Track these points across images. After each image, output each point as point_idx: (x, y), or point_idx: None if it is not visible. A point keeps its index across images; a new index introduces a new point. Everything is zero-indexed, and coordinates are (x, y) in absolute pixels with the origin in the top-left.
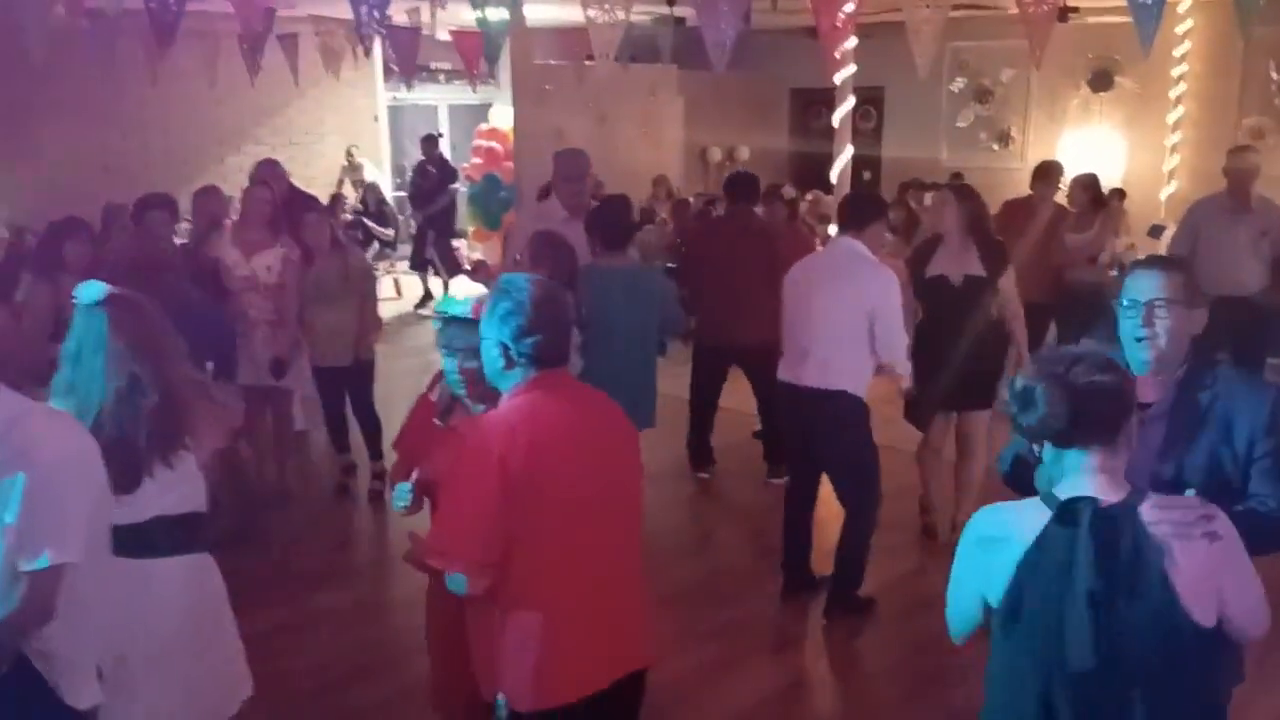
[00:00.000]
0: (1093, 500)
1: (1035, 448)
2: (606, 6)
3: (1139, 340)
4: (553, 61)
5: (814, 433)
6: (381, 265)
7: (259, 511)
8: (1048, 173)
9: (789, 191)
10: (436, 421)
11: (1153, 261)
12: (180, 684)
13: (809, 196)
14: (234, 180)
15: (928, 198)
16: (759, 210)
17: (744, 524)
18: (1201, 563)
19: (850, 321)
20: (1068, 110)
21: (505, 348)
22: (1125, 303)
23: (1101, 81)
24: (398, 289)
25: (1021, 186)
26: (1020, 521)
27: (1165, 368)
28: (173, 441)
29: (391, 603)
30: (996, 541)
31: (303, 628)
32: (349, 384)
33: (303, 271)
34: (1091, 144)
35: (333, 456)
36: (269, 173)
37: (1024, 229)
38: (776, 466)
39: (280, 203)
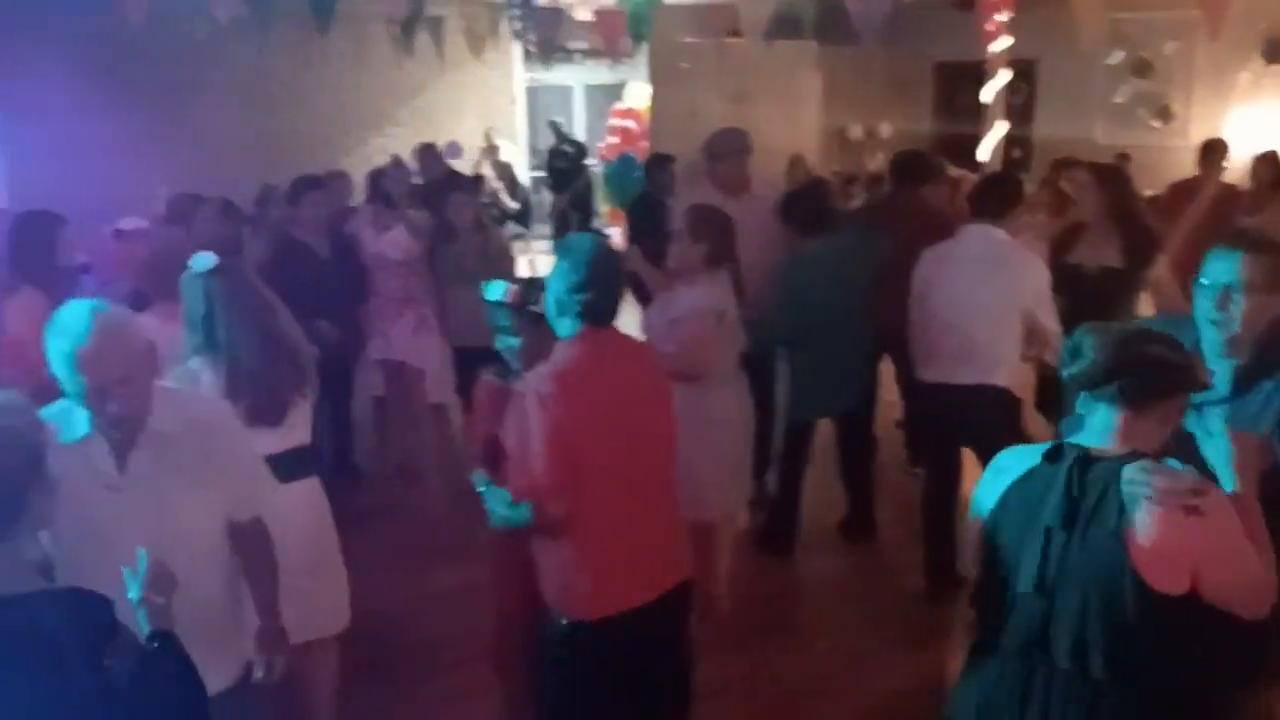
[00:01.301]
0: (1085, 449)
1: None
2: None
3: (1212, 323)
4: (690, 39)
5: (971, 433)
6: (518, 246)
7: (391, 484)
8: (1214, 151)
9: (954, 171)
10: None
11: (1237, 241)
12: (300, 598)
13: (955, 175)
14: (376, 161)
15: (1082, 176)
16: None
17: (888, 513)
18: (1168, 532)
19: (1007, 314)
20: (1236, 85)
21: (559, 300)
22: (1203, 282)
23: (1276, 53)
24: (533, 271)
25: (1184, 165)
26: (1026, 458)
27: (1239, 352)
28: (301, 380)
29: None
30: (1003, 471)
31: (428, 601)
32: (486, 364)
33: (444, 251)
34: (1263, 121)
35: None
36: (426, 156)
37: (1190, 213)
38: (918, 456)
39: (428, 183)
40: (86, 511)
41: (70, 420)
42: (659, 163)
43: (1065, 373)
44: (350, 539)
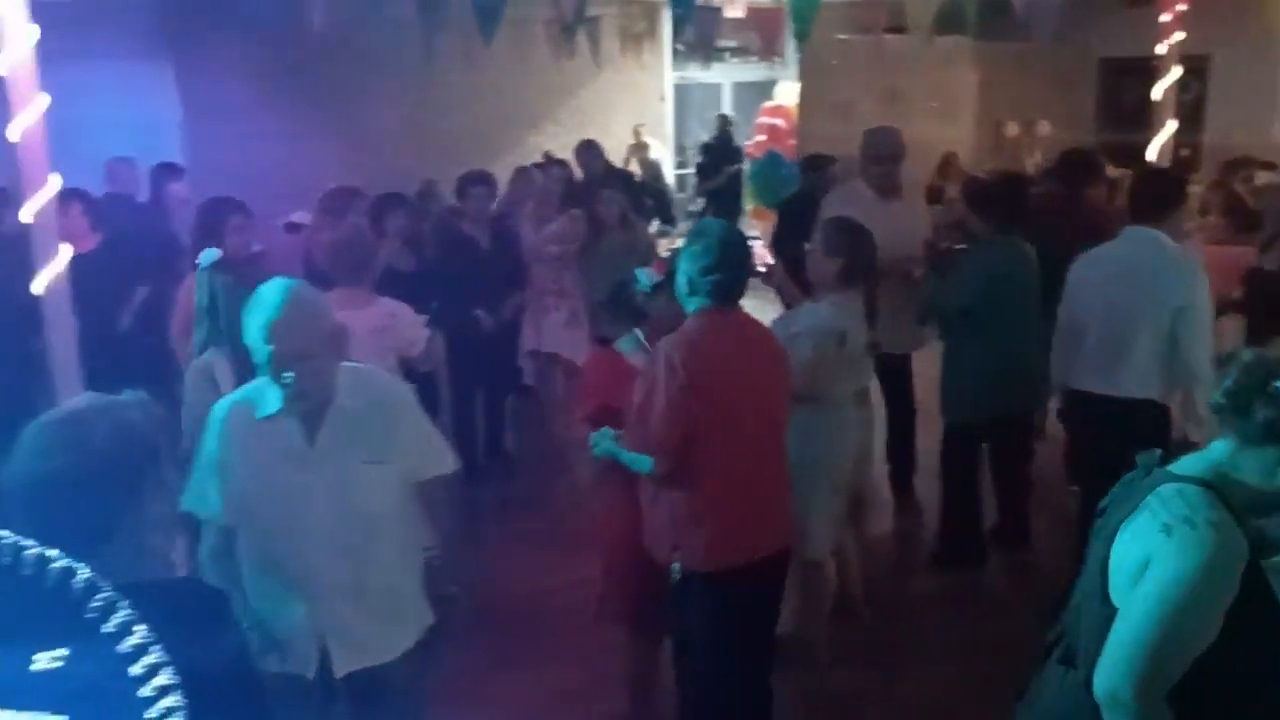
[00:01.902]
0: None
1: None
2: None
3: None
4: (843, 36)
5: (1118, 447)
6: (662, 243)
7: (542, 473)
8: None
9: (1114, 171)
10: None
11: None
12: None
13: (1114, 174)
14: (532, 158)
15: (1261, 176)
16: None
17: (1045, 526)
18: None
19: (1153, 324)
20: None
21: (692, 279)
22: None
23: None
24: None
25: None
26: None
27: None
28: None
29: None
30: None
31: (571, 587)
32: None
33: (593, 246)
34: None
35: None
36: (587, 154)
37: None
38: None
39: (583, 180)
40: (276, 483)
41: (265, 396)
42: (816, 163)
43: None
44: (497, 525)
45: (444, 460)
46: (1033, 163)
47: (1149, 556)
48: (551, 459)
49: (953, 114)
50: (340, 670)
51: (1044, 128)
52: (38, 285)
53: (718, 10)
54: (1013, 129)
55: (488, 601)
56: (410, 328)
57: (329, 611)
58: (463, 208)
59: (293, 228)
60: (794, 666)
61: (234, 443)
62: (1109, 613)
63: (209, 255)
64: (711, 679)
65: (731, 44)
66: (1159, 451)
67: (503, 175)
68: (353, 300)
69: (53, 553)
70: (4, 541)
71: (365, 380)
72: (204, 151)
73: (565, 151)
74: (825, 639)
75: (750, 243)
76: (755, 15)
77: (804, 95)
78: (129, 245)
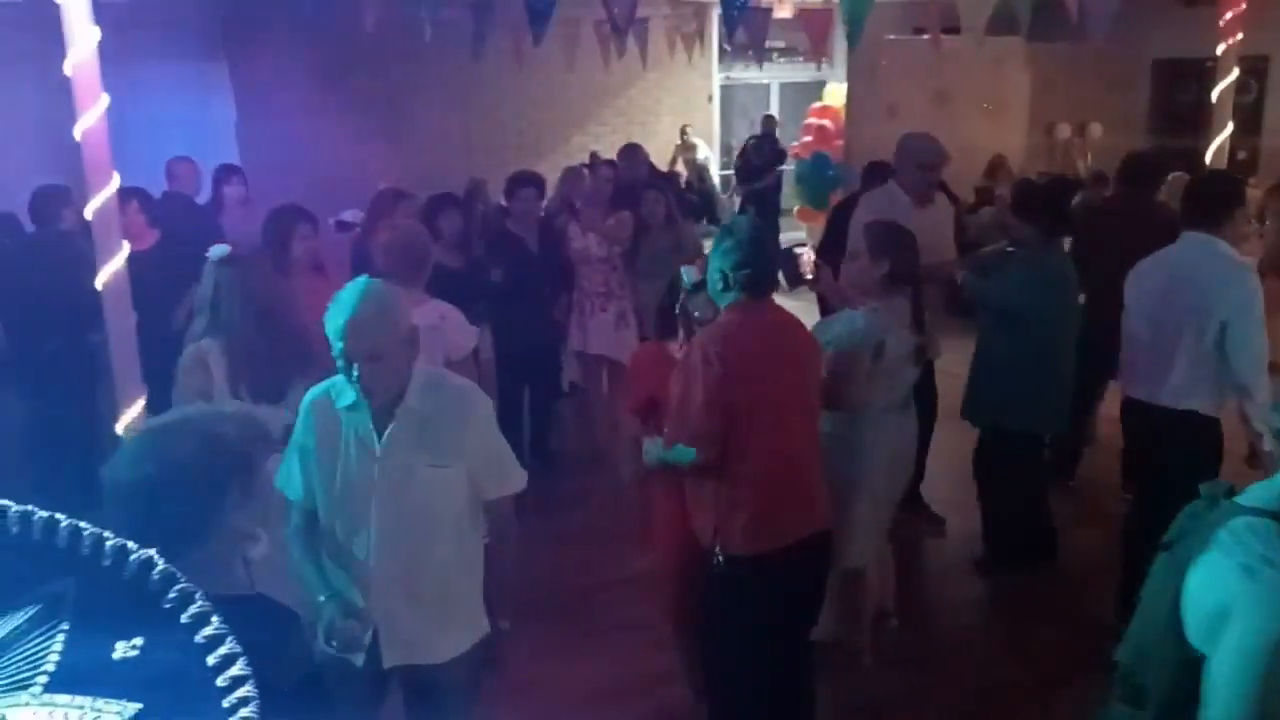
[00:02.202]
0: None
1: None
2: None
3: None
4: (893, 37)
5: (1163, 459)
6: (707, 243)
7: (585, 472)
8: None
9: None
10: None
11: None
12: None
13: (1169, 178)
14: (579, 159)
15: None
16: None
17: (1092, 535)
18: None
19: (1201, 332)
20: None
21: (724, 275)
22: None
23: None
24: None
25: None
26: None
27: None
28: (304, 366)
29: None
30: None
31: (617, 584)
32: None
33: (639, 246)
34: None
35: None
36: (630, 156)
37: None
38: (1070, 468)
39: (627, 182)
40: (345, 472)
41: (344, 389)
42: (877, 171)
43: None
44: (543, 523)
45: (513, 480)
46: (1084, 166)
47: (1229, 601)
48: (597, 459)
49: (1003, 116)
50: (388, 663)
51: (1096, 130)
52: (99, 280)
53: (768, 11)
54: (1064, 131)
55: (533, 598)
56: (458, 331)
57: (382, 605)
58: (510, 208)
59: (343, 226)
60: (835, 671)
61: (314, 429)
62: (1186, 656)
63: (218, 250)
64: (745, 666)
65: (779, 44)
66: (1226, 484)
67: (549, 175)
68: (406, 300)
69: (133, 545)
70: (86, 533)
71: (439, 385)
72: (257, 151)
73: (612, 152)
74: (867, 645)
75: (798, 247)
76: (804, 16)
77: (851, 96)
78: (184, 243)
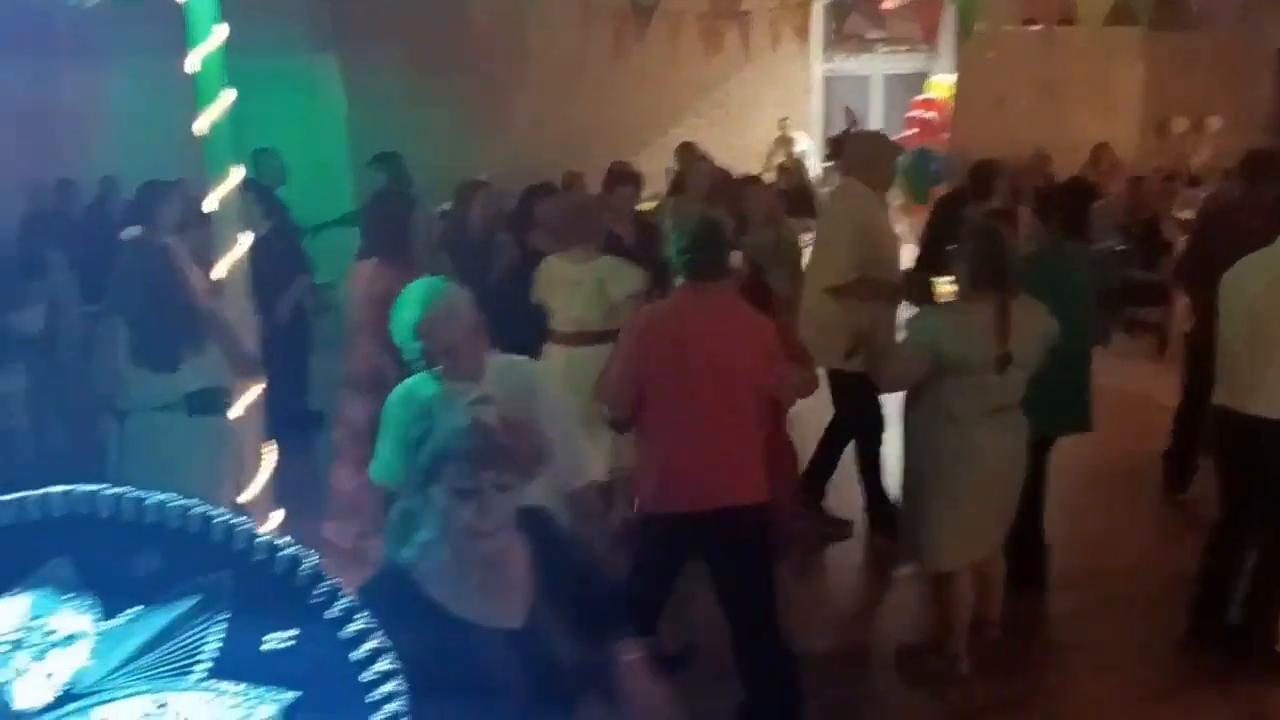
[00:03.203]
0: None
1: None
2: None
3: None
4: (1008, 28)
5: (1258, 470)
6: (805, 238)
7: None
8: None
9: None
10: None
11: None
12: None
13: None
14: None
15: None
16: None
17: (1160, 545)
18: None
19: None
20: None
21: (671, 262)
22: None
23: None
24: None
25: None
26: None
27: None
28: (196, 336)
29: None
30: None
31: None
32: None
33: (736, 242)
34: None
35: None
36: (689, 153)
37: None
38: (1183, 482)
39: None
40: None
41: (426, 383)
42: (986, 170)
43: None
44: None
45: (586, 468)
46: (1198, 161)
47: None
48: None
49: (1115, 109)
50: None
51: (1213, 124)
52: (217, 271)
53: (875, 1)
54: (1179, 125)
55: None
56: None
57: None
58: (607, 201)
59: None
60: (930, 678)
61: (403, 422)
62: None
63: (129, 232)
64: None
65: (883, 34)
66: None
67: (646, 168)
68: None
69: (281, 541)
70: (239, 528)
71: (514, 371)
72: (366, 142)
73: (708, 144)
74: (963, 652)
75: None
76: (916, 6)
77: (959, 88)
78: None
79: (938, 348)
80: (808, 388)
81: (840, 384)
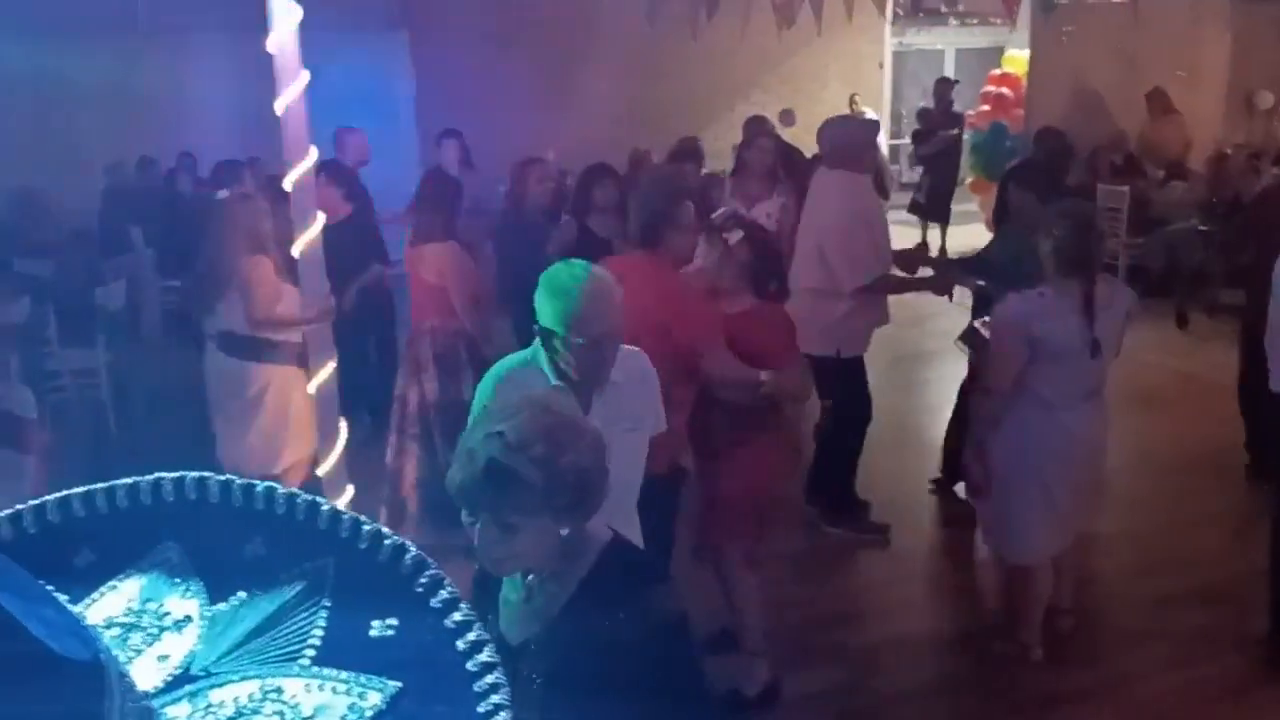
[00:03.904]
0: None
1: None
2: None
3: None
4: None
5: None
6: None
7: None
8: None
9: None
10: None
11: None
12: None
13: None
14: (740, 127)
15: None
16: None
17: (1241, 536)
18: None
19: None
20: None
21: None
22: None
23: None
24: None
25: None
26: None
27: None
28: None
29: (861, 552)
30: None
31: (789, 560)
32: None
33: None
34: None
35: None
36: (757, 129)
37: None
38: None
39: (782, 154)
40: None
41: (536, 375)
42: (1049, 138)
43: None
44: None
45: (660, 427)
46: None
47: None
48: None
49: (1198, 82)
50: None
51: None
52: (295, 249)
53: None
54: (1266, 100)
55: None
56: None
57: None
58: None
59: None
60: (1002, 665)
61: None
62: None
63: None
64: None
65: (957, 8)
66: None
67: (712, 145)
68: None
69: (387, 530)
70: (345, 516)
71: (625, 354)
72: (434, 120)
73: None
74: (1037, 639)
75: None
76: None
77: (1034, 63)
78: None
79: (1032, 334)
80: (799, 389)
81: (833, 372)
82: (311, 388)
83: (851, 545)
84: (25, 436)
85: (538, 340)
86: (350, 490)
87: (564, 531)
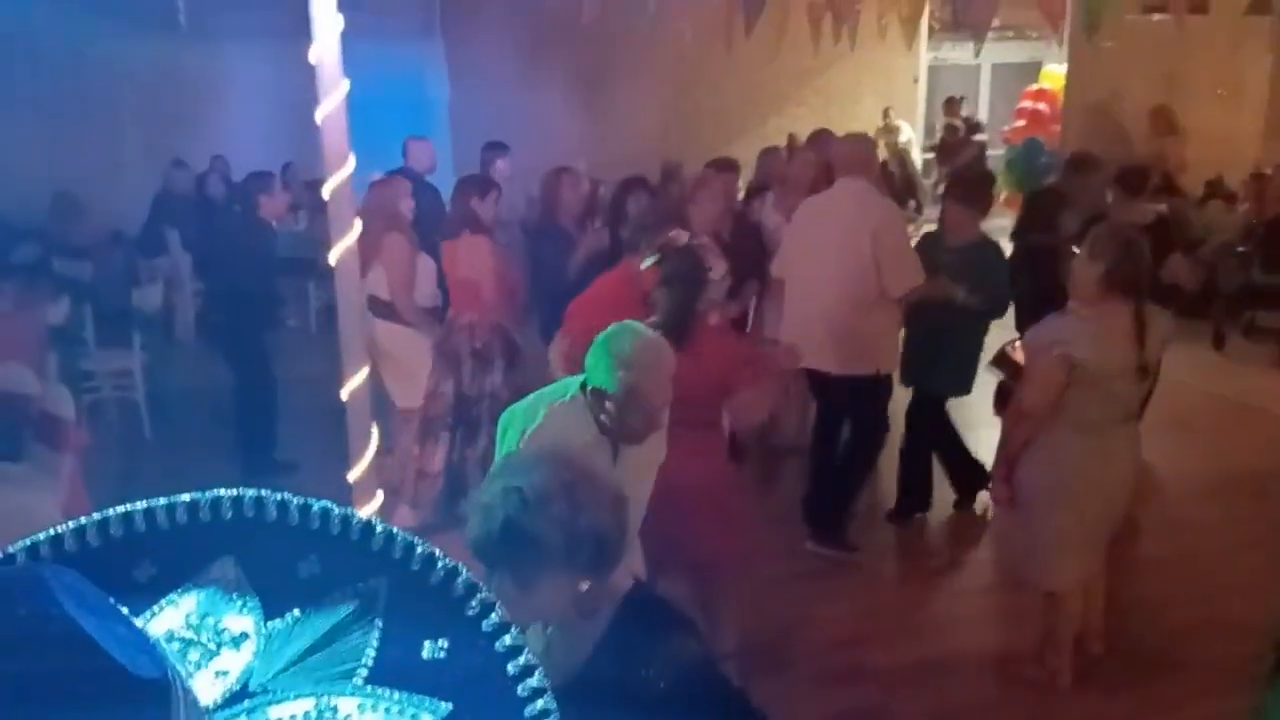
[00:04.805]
0: None
1: None
2: None
3: None
4: (1132, 17)
5: None
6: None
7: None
8: None
9: None
10: None
11: None
12: None
13: None
14: (772, 141)
15: None
16: None
17: (1268, 561)
18: None
19: None
20: None
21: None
22: None
23: None
24: None
25: None
26: None
27: None
28: None
29: (890, 571)
30: None
31: (812, 578)
32: None
33: None
34: None
35: None
36: (822, 142)
37: None
38: None
39: (824, 168)
40: None
41: (576, 423)
42: (1081, 164)
43: None
44: None
45: (662, 456)
46: None
47: None
48: (775, 448)
49: (1240, 101)
50: None
51: None
52: (331, 257)
53: None
54: None
55: None
56: None
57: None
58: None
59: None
60: (1030, 689)
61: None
62: None
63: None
64: None
65: (995, 23)
66: None
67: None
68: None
69: (440, 552)
70: (399, 538)
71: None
72: (468, 129)
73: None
74: (1066, 665)
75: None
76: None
77: (1070, 79)
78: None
79: (1073, 357)
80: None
81: (868, 392)
82: (345, 393)
83: (874, 565)
84: (63, 436)
85: (584, 387)
86: (380, 495)
87: (583, 586)
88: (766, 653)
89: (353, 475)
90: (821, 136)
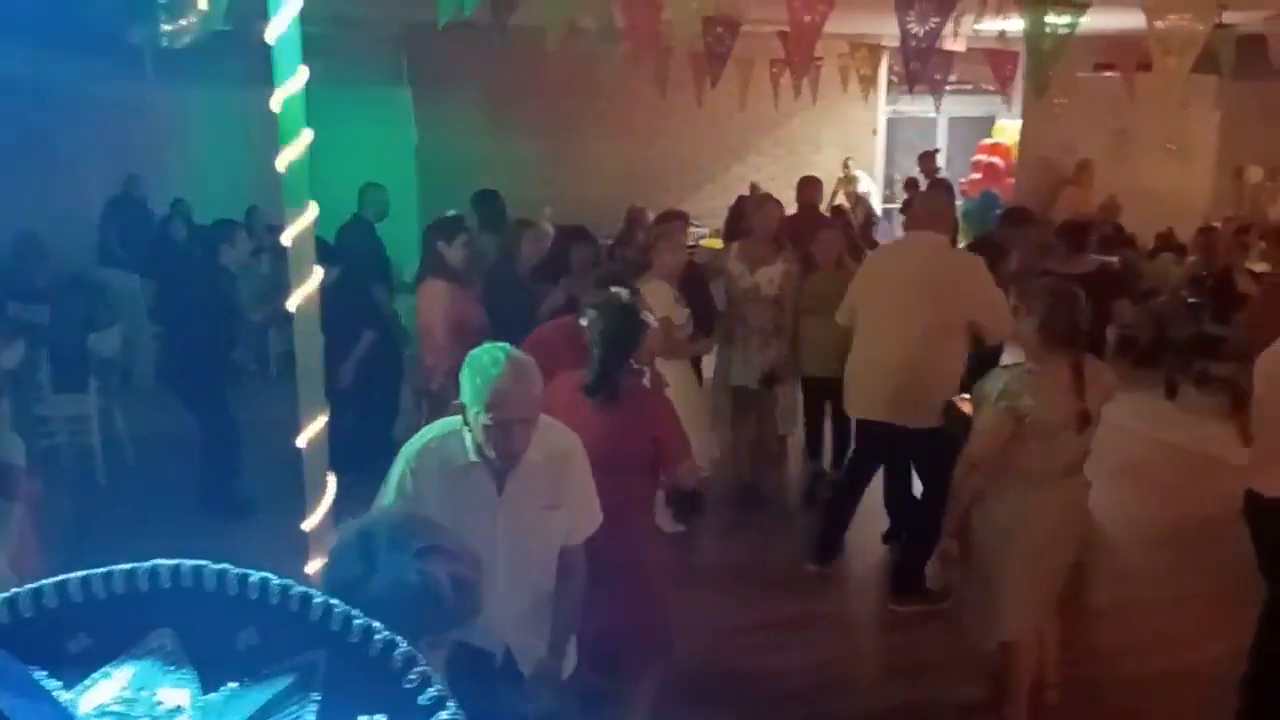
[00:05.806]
0: None
1: None
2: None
3: None
4: (1084, 74)
5: None
6: None
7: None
8: None
9: None
10: None
11: None
12: None
13: None
14: (735, 189)
15: None
16: None
17: (1227, 616)
18: None
19: None
20: None
21: None
22: None
23: None
24: None
25: None
26: None
27: None
28: None
29: (848, 620)
30: None
31: (771, 629)
32: (832, 395)
33: (800, 283)
34: None
35: (805, 462)
36: (812, 191)
37: None
38: None
39: (787, 218)
40: (470, 528)
41: (457, 446)
42: (1016, 217)
43: None
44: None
45: (593, 521)
46: (1276, 211)
47: None
48: (747, 496)
49: (1189, 157)
50: (525, 670)
51: None
52: (291, 303)
53: (951, 53)
54: (1255, 175)
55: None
56: None
57: (513, 629)
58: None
59: None
60: None
61: (425, 483)
62: None
63: None
64: None
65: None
66: None
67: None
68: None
69: (378, 625)
70: (337, 609)
71: (546, 431)
72: (435, 175)
73: (772, 184)
74: (1023, 716)
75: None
76: (990, 57)
77: (1025, 134)
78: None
79: (1018, 410)
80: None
81: (935, 447)
82: (302, 441)
83: (829, 615)
84: (13, 484)
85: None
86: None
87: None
88: (721, 705)
89: (308, 525)
90: (809, 184)
